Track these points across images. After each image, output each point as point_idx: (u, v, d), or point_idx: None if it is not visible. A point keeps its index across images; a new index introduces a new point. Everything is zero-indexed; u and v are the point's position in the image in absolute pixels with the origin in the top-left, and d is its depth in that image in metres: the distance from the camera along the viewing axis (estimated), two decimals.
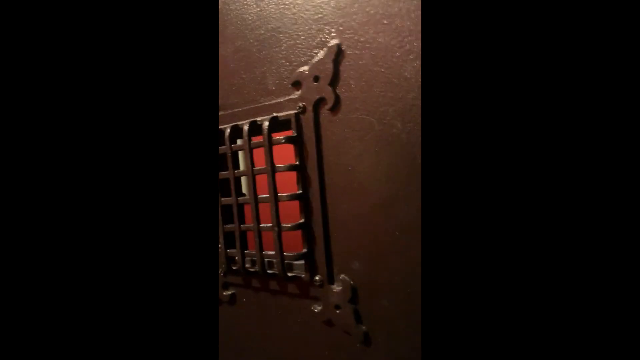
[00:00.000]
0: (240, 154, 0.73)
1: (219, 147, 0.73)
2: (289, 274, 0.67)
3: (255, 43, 0.71)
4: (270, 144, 0.64)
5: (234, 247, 0.75)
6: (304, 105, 0.64)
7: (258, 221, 0.67)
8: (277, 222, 0.64)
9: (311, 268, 0.65)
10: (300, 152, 0.65)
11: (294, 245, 0.77)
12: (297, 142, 0.65)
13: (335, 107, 0.61)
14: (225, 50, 0.76)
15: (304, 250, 0.65)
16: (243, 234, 0.72)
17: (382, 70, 0.56)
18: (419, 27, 0.52)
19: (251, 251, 0.71)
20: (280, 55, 0.68)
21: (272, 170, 0.64)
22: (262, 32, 0.70)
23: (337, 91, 0.61)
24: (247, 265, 0.73)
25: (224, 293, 0.81)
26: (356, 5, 0.58)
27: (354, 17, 0.58)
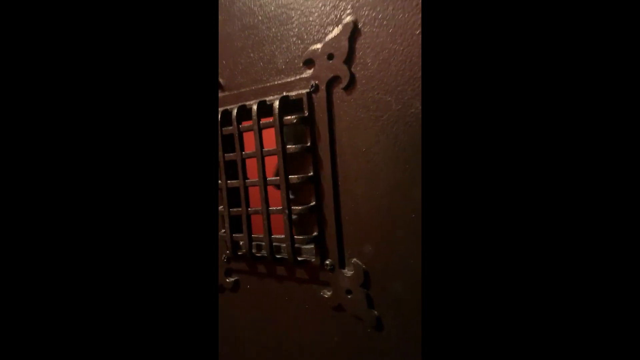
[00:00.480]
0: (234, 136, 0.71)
1: (225, 128, 0.71)
2: (299, 258, 0.65)
3: (264, 20, 0.69)
4: (281, 124, 0.62)
5: (239, 231, 0.72)
6: (316, 84, 0.62)
7: (267, 204, 0.65)
8: (288, 205, 0.62)
9: (322, 252, 0.64)
10: (312, 133, 0.63)
11: (299, 229, 0.75)
12: (308, 122, 0.63)
13: (350, 86, 0.59)
14: (231, 27, 0.73)
15: (315, 233, 0.64)
16: (250, 218, 0.70)
17: (401, 48, 0.54)
18: None
19: (258, 235, 0.69)
20: (292, 33, 0.65)
21: (283, 151, 0.62)
22: (272, 8, 0.67)
23: (352, 70, 0.59)
24: (253, 250, 0.71)
25: (227, 280, 0.78)
26: None
27: None
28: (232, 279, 0.78)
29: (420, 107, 0.54)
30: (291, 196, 0.66)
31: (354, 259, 0.62)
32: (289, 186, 0.63)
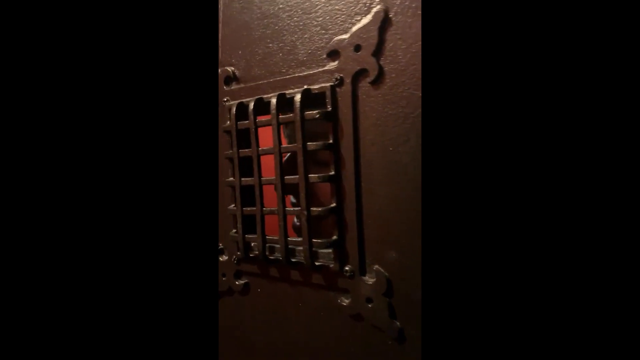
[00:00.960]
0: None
1: (240, 122, 0.67)
2: (317, 263, 0.61)
3: (285, 8, 0.64)
4: (302, 119, 0.58)
5: (251, 232, 0.68)
6: (341, 77, 0.58)
7: (284, 204, 0.61)
8: (307, 205, 0.58)
9: (341, 257, 0.60)
10: (335, 129, 0.59)
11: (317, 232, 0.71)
12: (331, 118, 0.58)
13: (378, 80, 0.55)
14: (249, 15, 0.69)
15: (334, 237, 0.60)
16: (264, 218, 0.66)
17: None
18: None
19: (272, 237, 0.65)
20: (315, 22, 0.61)
21: (304, 148, 0.58)
22: None
23: (381, 62, 0.55)
24: (266, 253, 0.67)
25: (237, 282, 0.75)
26: None
27: None
28: (242, 282, 0.74)
29: None
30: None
31: (376, 266, 0.58)
32: (309, 185, 0.59)
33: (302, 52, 0.63)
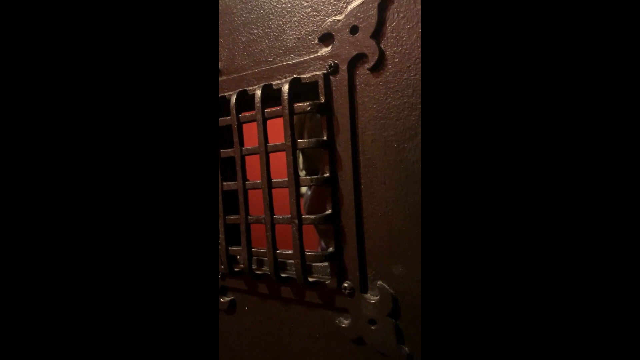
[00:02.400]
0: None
1: (222, 119, 0.59)
2: (310, 279, 0.53)
3: None
4: (291, 112, 0.50)
5: (237, 243, 0.60)
6: (335, 63, 0.50)
7: (272, 211, 0.53)
8: (298, 213, 0.50)
9: (339, 272, 0.52)
10: (330, 123, 0.51)
11: (308, 243, 0.63)
12: (325, 111, 0.51)
13: (379, 66, 0.47)
14: None
15: (331, 249, 0.52)
16: (249, 228, 0.58)
17: None
18: None
19: (259, 249, 0.57)
20: (305, 3, 0.54)
21: (293, 146, 0.50)
22: None
23: (382, 45, 0.47)
24: (253, 267, 0.59)
25: (222, 299, 0.66)
26: None
27: None
28: (228, 299, 0.66)
29: None
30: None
31: (380, 282, 0.50)
32: (299, 189, 0.51)
33: (290, 37, 0.55)
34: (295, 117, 0.67)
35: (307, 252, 0.52)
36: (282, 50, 0.56)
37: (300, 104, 0.50)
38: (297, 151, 0.71)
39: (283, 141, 0.51)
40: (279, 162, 0.56)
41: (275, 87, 0.54)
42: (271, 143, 0.53)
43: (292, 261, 0.52)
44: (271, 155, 0.54)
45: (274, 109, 0.52)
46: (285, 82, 0.51)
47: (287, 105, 0.50)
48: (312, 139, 0.50)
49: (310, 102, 0.50)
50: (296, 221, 0.50)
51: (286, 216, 0.51)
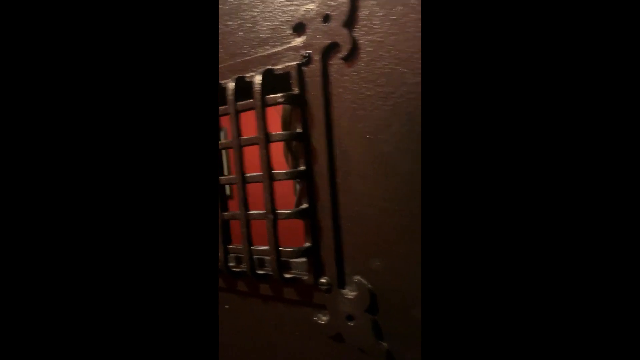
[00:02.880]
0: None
1: None
2: (287, 275, 0.52)
3: None
4: (263, 104, 0.49)
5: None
6: (308, 54, 0.48)
7: (246, 206, 0.52)
8: (272, 208, 0.49)
9: (316, 267, 0.51)
10: (304, 116, 0.50)
11: (292, 238, 0.62)
12: (299, 102, 0.49)
13: (352, 56, 0.46)
14: None
15: (307, 244, 0.50)
16: (226, 224, 0.56)
17: (418, 2, 0.41)
18: None
19: (236, 246, 0.56)
20: None
21: (266, 139, 0.49)
22: None
23: (355, 34, 0.46)
24: (230, 264, 0.58)
25: None
26: None
27: None
28: None
29: None
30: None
31: (357, 277, 0.49)
32: (273, 183, 0.49)
33: (264, 28, 0.54)
34: (284, 110, 0.66)
35: (283, 248, 0.51)
36: (257, 41, 0.55)
37: (273, 96, 0.49)
38: (287, 148, 0.69)
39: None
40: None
41: (248, 79, 0.53)
42: (244, 136, 0.52)
43: (269, 257, 0.51)
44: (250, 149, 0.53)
45: (245, 101, 0.51)
46: (258, 73, 0.50)
47: (259, 97, 0.49)
48: (286, 131, 0.49)
49: (283, 94, 0.48)
50: (270, 216, 0.49)
51: (261, 211, 0.50)
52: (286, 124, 0.79)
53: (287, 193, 0.77)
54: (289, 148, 0.68)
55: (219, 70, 0.58)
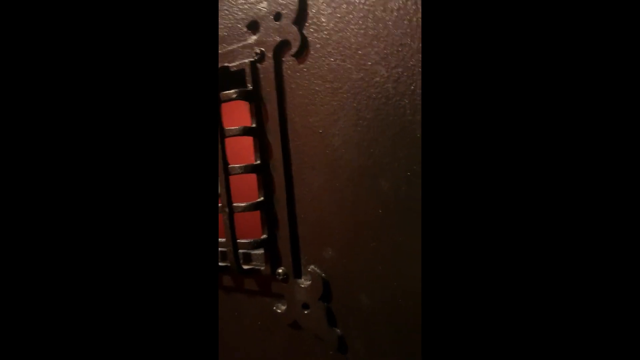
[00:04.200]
0: None
1: None
2: (245, 267, 0.54)
3: None
4: (218, 101, 0.50)
5: None
6: (261, 51, 0.50)
7: None
8: (228, 201, 0.50)
9: (273, 258, 0.52)
10: (258, 111, 0.51)
11: (253, 230, 0.63)
12: (253, 98, 0.51)
13: (302, 53, 0.48)
14: None
15: (264, 236, 0.52)
16: None
17: (362, 1, 0.43)
18: None
19: None
20: None
21: (221, 134, 0.50)
22: None
23: (304, 32, 0.47)
24: None
25: None
26: None
27: None
28: None
29: (386, 74, 0.42)
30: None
31: (312, 267, 0.50)
32: (228, 177, 0.51)
33: (221, 26, 0.55)
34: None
35: (240, 240, 0.52)
36: None
37: (227, 92, 0.50)
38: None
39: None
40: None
41: None
42: None
43: (226, 249, 0.53)
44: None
45: None
46: None
47: None
48: (240, 127, 0.50)
49: (236, 90, 0.50)
50: (226, 209, 0.50)
51: (217, 205, 0.52)
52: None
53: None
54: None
55: None
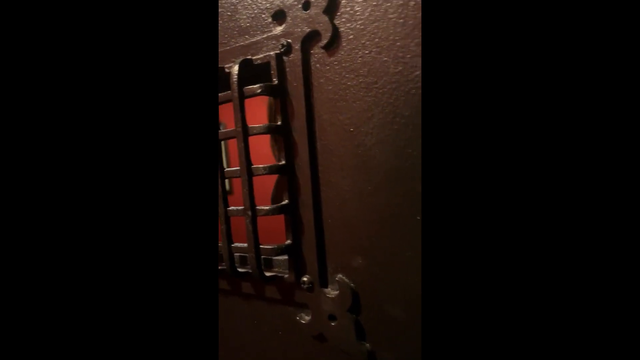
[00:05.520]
0: None
1: None
2: (267, 274, 0.50)
3: None
4: (241, 96, 0.47)
5: None
6: (288, 42, 0.46)
7: (226, 203, 0.50)
8: (251, 204, 0.47)
9: (297, 265, 0.49)
10: (284, 107, 0.48)
11: (275, 235, 0.60)
12: (279, 93, 0.47)
13: (333, 44, 0.44)
14: None
15: (288, 241, 0.49)
16: None
17: None
18: None
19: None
20: None
21: (245, 132, 0.47)
22: None
23: (336, 21, 0.44)
24: None
25: None
26: None
27: None
28: None
29: None
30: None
31: (339, 275, 0.47)
32: (252, 178, 0.47)
33: (244, 16, 0.52)
34: (269, 101, 0.64)
35: (263, 245, 0.49)
36: (236, 30, 0.53)
37: (251, 87, 0.47)
38: (273, 141, 0.67)
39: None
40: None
41: (227, 70, 0.51)
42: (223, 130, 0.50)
43: (248, 255, 0.49)
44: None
45: (223, 93, 0.49)
46: (235, 64, 0.48)
47: (236, 88, 0.46)
48: (264, 124, 0.47)
49: (261, 85, 0.46)
50: (249, 213, 0.47)
51: (239, 207, 0.48)
52: (272, 116, 0.77)
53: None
54: (275, 141, 0.66)
55: None
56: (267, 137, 0.59)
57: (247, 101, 0.48)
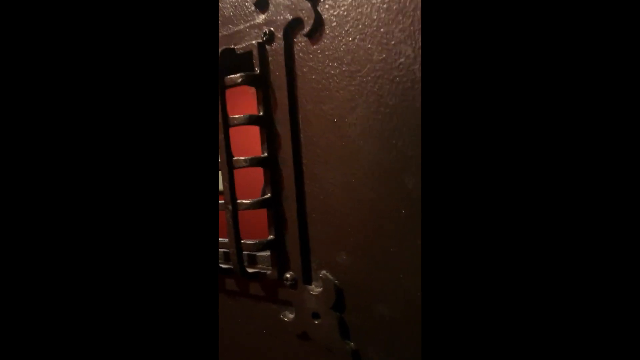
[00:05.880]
0: None
1: None
2: (250, 270, 0.49)
3: None
4: (222, 86, 0.45)
5: None
6: (270, 31, 0.45)
7: None
8: (232, 198, 0.45)
9: (280, 261, 0.47)
10: (266, 98, 0.46)
11: (258, 230, 0.59)
12: (260, 83, 0.46)
13: (316, 32, 0.42)
14: None
15: (270, 236, 0.47)
16: None
17: None
18: None
19: None
20: None
21: (225, 123, 0.45)
22: None
23: (319, 8, 0.42)
24: None
25: None
26: None
27: None
28: None
29: (412, 55, 0.37)
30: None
31: (323, 272, 0.45)
32: (232, 171, 0.46)
33: (227, 5, 0.50)
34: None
35: (245, 241, 0.47)
36: (220, 20, 0.51)
37: (232, 77, 0.45)
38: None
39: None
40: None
41: None
42: None
43: (230, 250, 0.48)
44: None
45: None
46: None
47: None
48: (245, 115, 0.45)
49: (242, 74, 0.45)
50: (230, 207, 0.45)
51: (220, 201, 0.47)
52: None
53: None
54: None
55: None
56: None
57: (244, 94, 0.47)
